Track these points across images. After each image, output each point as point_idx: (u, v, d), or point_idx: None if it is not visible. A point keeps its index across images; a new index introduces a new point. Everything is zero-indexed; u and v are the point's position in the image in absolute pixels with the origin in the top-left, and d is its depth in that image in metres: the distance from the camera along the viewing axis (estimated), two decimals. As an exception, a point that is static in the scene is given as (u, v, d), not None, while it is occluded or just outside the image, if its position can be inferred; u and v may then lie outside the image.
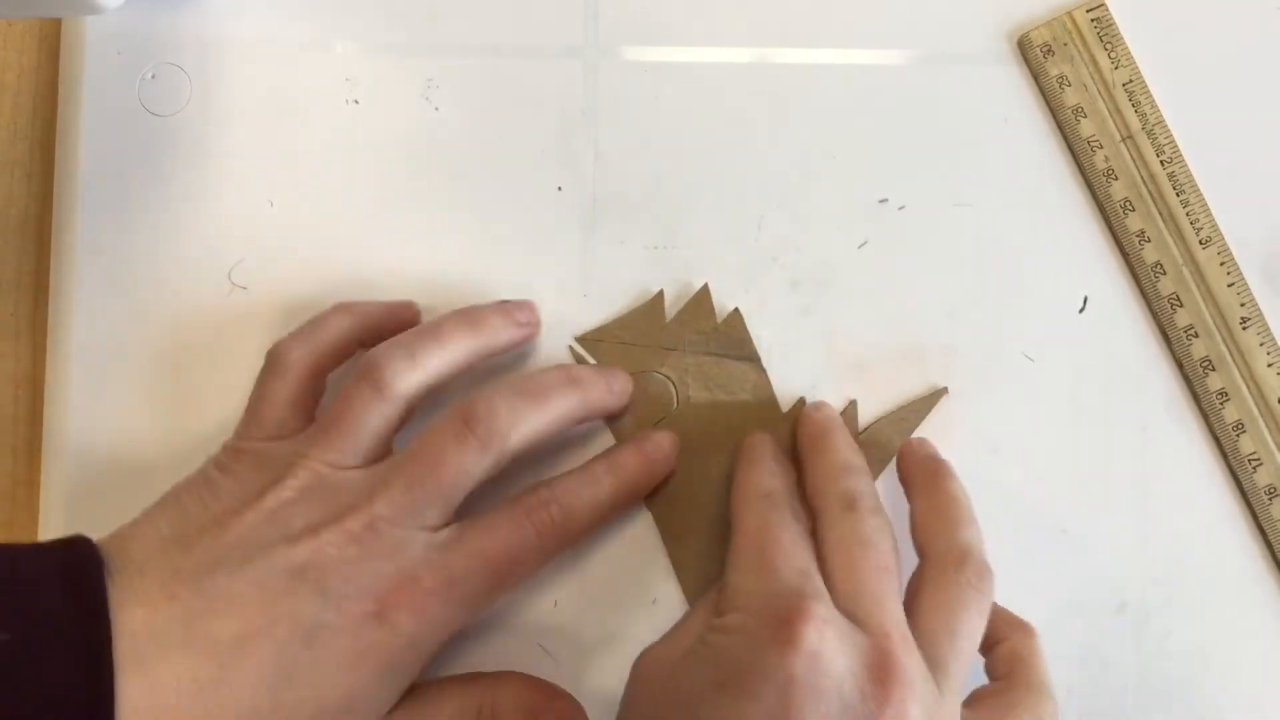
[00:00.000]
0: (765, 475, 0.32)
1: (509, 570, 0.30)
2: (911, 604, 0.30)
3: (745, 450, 0.34)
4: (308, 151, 0.36)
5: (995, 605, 0.32)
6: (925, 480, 0.33)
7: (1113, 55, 0.36)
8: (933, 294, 0.36)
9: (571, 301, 0.36)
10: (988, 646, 0.33)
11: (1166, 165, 0.36)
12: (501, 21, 0.37)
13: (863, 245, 0.36)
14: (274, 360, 0.33)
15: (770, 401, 0.35)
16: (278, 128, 0.36)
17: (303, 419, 0.32)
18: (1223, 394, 0.35)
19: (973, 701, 0.31)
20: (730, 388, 0.35)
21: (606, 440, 0.35)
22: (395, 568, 0.29)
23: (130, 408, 0.35)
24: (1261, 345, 0.35)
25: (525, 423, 0.31)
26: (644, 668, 0.30)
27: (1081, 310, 0.36)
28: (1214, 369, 0.35)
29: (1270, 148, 0.36)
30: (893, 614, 0.28)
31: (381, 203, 0.36)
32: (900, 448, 0.34)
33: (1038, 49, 0.36)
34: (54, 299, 0.36)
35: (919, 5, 0.37)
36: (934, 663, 0.29)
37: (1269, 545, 0.35)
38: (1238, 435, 0.35)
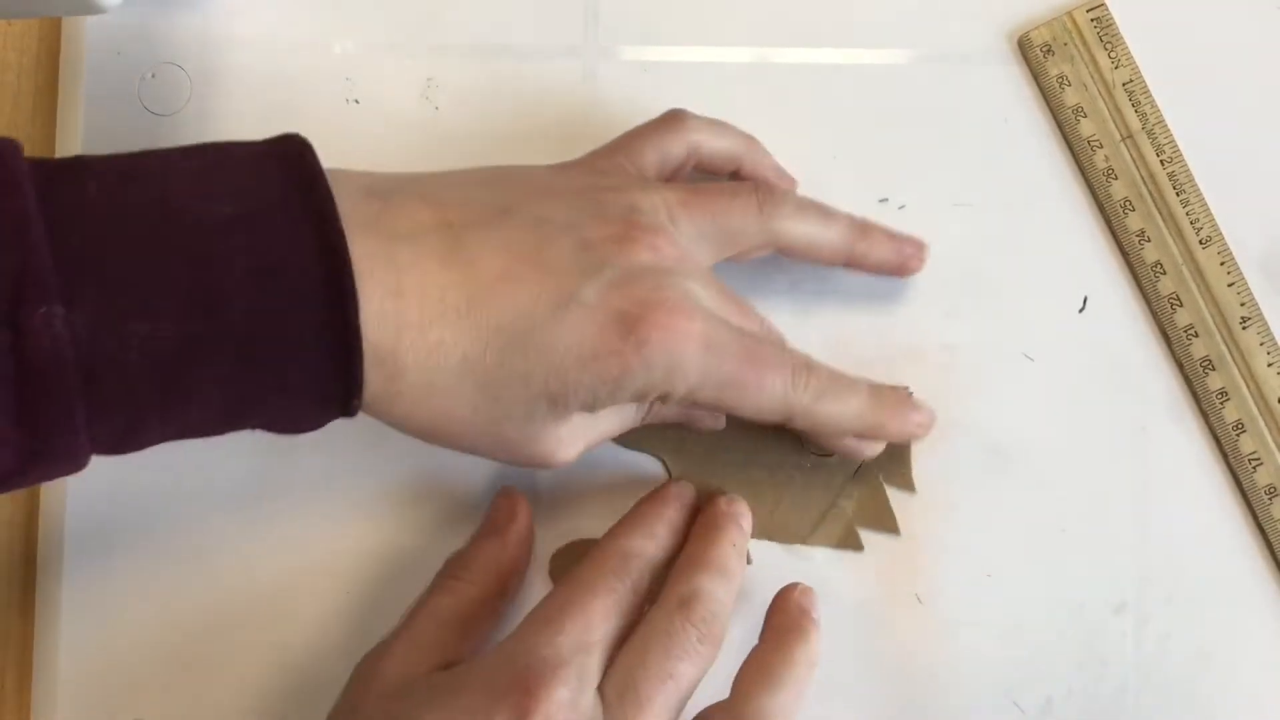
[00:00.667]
0: (641, 537, 0.31)
1: (749, 382, 0.29)
2: None
3: (647, 501, 0.33)
4: (308, 151, 0.36)
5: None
6: (776, 632, 0.31)
7: (1113, 55, 0.36)
8: (933, 294, 0.36)
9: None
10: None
11: (1166, 165, 0.36)
12: (501, 21, 0.37)
13: (863, 245, 0.36)
14: (670, 118, 0.33)
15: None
16: (278, 128, 0.36)
17: (660, 175, 0.32)
18: (1223, 394, 0.35)
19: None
20: None
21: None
22: (678, 295, 0.28)
23: (130, 408, 0.35)
24: (1261, 345, 0.35)
25: (817, 423, 0.31)
26: (366, 680, 0.29)
27: (1081, 310, 0.36)
28: (1214, 369, 0.35)
29: (1270, 148, 0.36)
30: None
31: (381, 203, 0.36)
32: (781, 589, 0.33)
33: (1038, 49, 0.36)
34: (54, 299, 0.36)
35: (919, 5, 0.37)
36: None
37: (1269, 545, 0.35)
38: (1238, 435, 0.35)
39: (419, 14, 0.37)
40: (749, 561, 0.35)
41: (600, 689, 0.28)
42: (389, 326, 0.26)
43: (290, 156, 0.26)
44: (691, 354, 0.28)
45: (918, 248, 0.35)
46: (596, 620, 0.29)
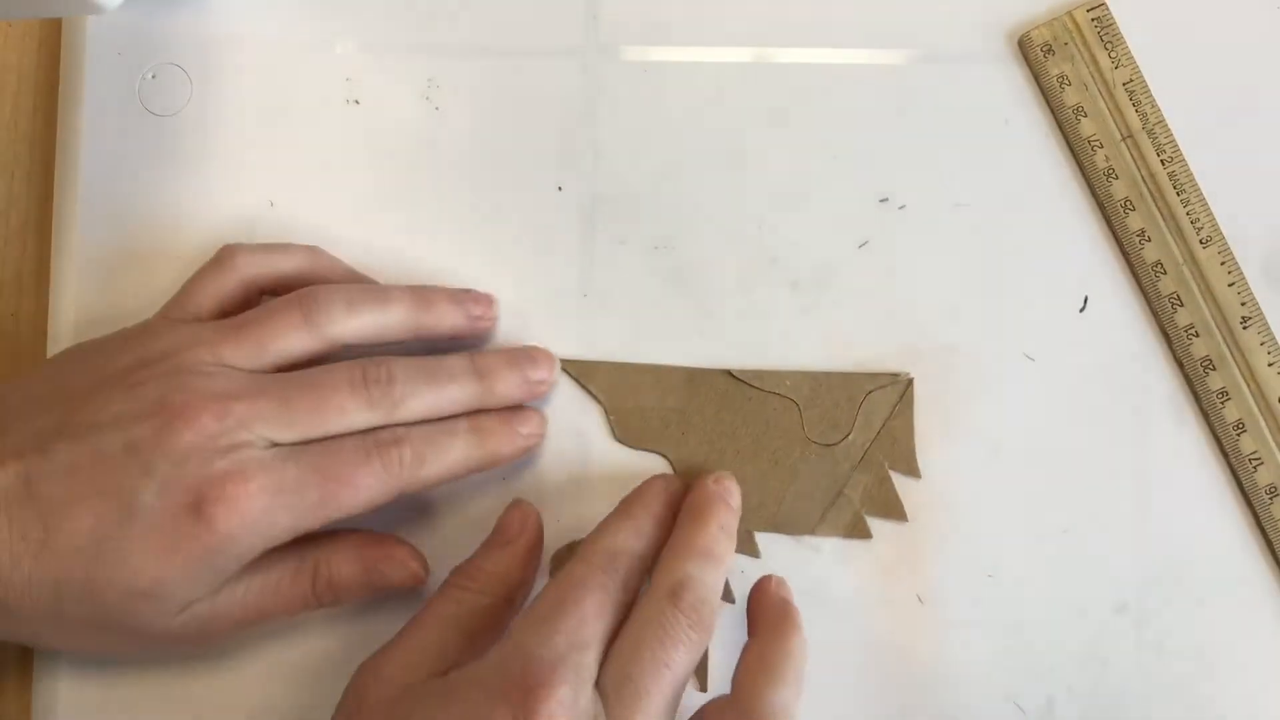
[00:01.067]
0: (627, 533, 0.31)
1: (342, 493, 0.30)
2: None
3: (633, 495, 0.33)
4: (308, 151, 0.36)
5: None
6: (767, 626, 0.32)
7: (1113, 55, 0.36)
8: (933, 294, 0.36)
9: (571, 301, 0.36)
10: (750, 628, 0.33)
11: (1167, 165, 0.36)
12: (501, 21, 0.37)
13: (863, 245, 0.36)
14: (221, 256, 0.33)
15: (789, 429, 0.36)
16: (278, 128, 0.36)
17: (219, 316, 0.33)
18: (1223, 393, 0.35)
19: (700, 716, 0.30)
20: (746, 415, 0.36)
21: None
22: (227, 464, 0.29)
23: (130, 408, 0.35)
24: (1262, 344, 0.35)
25: (418, 399, 0.31)
26: (366, 685, 0.30)
27: (1081, 310, 0.36)
28: (1214, 368, 0.35)
29: (1270, 148, 0.36)
30: (647, 712, 0.28)
31: (381, 202, 0.36)
32: (756, 582, 0.33)
33: (1038, 49, 0.36)
34: (54, 299, 0.36)
35: (919, 5, 0.37)
36: None
37: (1269, 545, 0.35)
38: (1238, 434, 0.35)
39: (419, 14, 0.37)
40: (757, 555, 0.35)
41: (597, 684, 0.28)
42: None
43: None
44: (263, 509, 0.29)
45: (486, 305, 0.35)
46: (589, 618, 0.29)
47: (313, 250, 0.34)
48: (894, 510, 0.35)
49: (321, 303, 0.32)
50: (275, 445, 0.30)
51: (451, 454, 0.32)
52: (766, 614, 0.32)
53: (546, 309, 0.36)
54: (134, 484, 0.28)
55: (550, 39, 0.37)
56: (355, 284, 0.34)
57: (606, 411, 0.36)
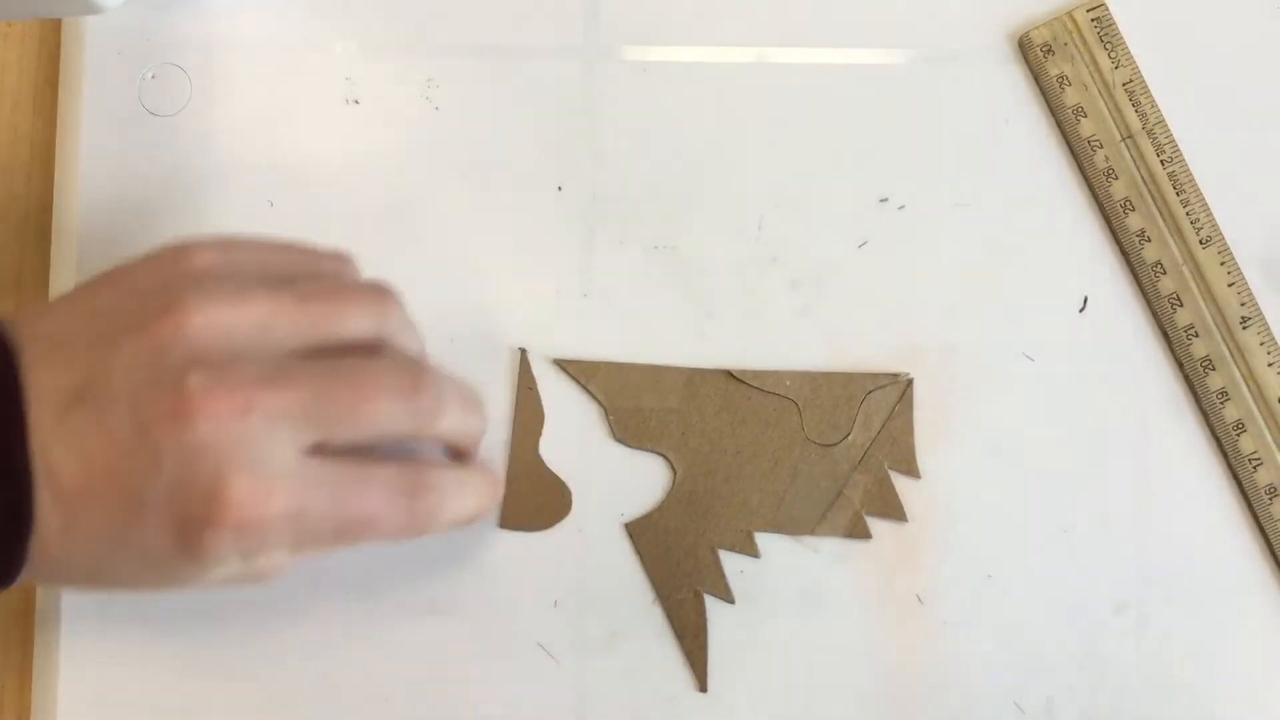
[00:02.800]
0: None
1: (360, 534, 0.28)
2: None
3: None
4: (308, 151, 0.36)
5: None
6: None
7: (1113, 55, 0.36)
8: (933, 294, 0.36)
9: (571, 301, 0.36)
10: None
11: (1166, 165, 0.36)
12: (501, 21, 0.37)
13: (863, 245, 0.36)
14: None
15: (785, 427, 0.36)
16: (278, 128, 0.36)
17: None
18: (1223, 393, 0.35)
19: None
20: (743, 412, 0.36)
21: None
22: (252, 475, 0.26)
23: (130, 408, 0.35)
24: (1262, 345, 0.35)
25: (448, 420, 0.30)
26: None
27: (1081, 310, 0.36)
28: (1214, 368, 0.35)
29: (1270, 148, 0.36)
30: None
31: (381, 202, 0.36)
32: None
33: (1038, 49, 0.36)
34: (54, 298, 0.36)
35: (919, 5, 0.37)
36: None
37: (1269, 545, 0.35)
38: (1238, 435, 0.35)
39: (419, 14, 0.37)
40: (756, 555, 0.35)
41: None
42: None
43: None
44: (277, 534, 0.27)
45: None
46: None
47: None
48: (894, 510, 0.35)
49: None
50: (304, 449, 0.27)
51: (466, 505, 0.30)
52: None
53: (546, 309, 0.36)
54: (141, 478, 0.26)
55: (550, 39, 0.37)
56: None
57: (606, 411, 0.36)
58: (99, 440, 0.26)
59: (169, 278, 0.28)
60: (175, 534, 0.26)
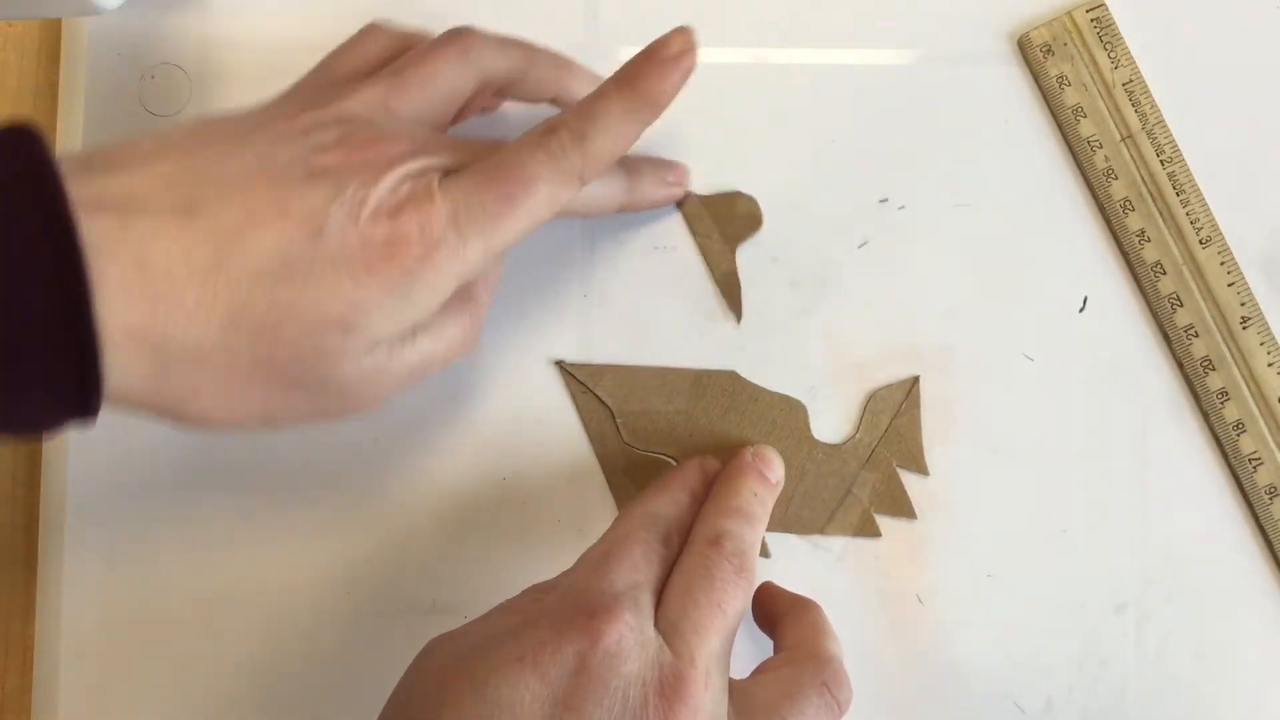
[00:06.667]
0: (664, 502, 0.32)
1: (517, 194, 0.28)
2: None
3: (669, 471, 0.34)
4: (308, 151, 0.36)
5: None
6: (790, 603, 0.33)
7: (1113, 55, 0.36)
8: (933, 294, 0.36)
9: (571, 301, 0.36)
10: (770, 624, 0.33)
11: (1166, 165, 0.36)
12: (501, 21, 0.37)
13: (863, 245, 0.36)
14: (370, 31, 0.33)
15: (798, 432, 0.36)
16: (278, 128, 0.36)
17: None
18: (1223, 393, 0.35)
19: (758, 671, 0.31)
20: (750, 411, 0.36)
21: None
22: (411, 188, 0.27)
23: (130, 408, 0.35)
24: (1262, 345, 0.35)
25: (604, 162, 0.30)
26: (431, 651, 0.29)
27: (1081, 310, 0.36)
28: (1214, 368, 0.35)
29: (1270, 148, 0.36)
30: (707, 646, 0.28)
31: (381, 203, 0.36)
32: (758, 589, 0.34)
33: (1038, 49, 0.36)
34: (54, 299, 0.36)
35: (919, 5, 0.37)
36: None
37: (1269, 545, 0.35)
38: (1238, 435, 0.35)
39: (419, 14, 0.37)
40: (767, 555, 0.35)
41: (655, 625, 0.29)
42: (138, 301, 0.24)
43: (14, 142, 0.25)
44: (451, 225, 0.27)
45: (680, 174, 0.36)
46: (640, 564, 0.29)
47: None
48: (903, 508, 0.35)
49: (477, 39, 0.31)
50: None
51: (610, 129, 0.29)
52: (782, 599, 0.34)
53: (547, 309, 0.36)
54: (323, 205, 0.26)
55: (550, 39, 0.37)
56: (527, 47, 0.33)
57: (614, 415, 0.36)
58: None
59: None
60: (379, 241, 0.26)
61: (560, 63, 0.33)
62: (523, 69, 0.32)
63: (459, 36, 0.31)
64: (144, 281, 0.24)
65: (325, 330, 0.26)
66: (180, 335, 0.25)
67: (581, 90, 0.32)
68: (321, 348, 0.27)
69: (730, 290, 0.36)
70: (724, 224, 0.36)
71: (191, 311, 0.25)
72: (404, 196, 0.27)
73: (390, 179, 0.27)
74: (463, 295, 0.30)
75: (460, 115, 0.32)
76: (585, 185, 0.29)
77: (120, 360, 0.24)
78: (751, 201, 0.36)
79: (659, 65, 0.29)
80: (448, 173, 0.28)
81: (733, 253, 0.36)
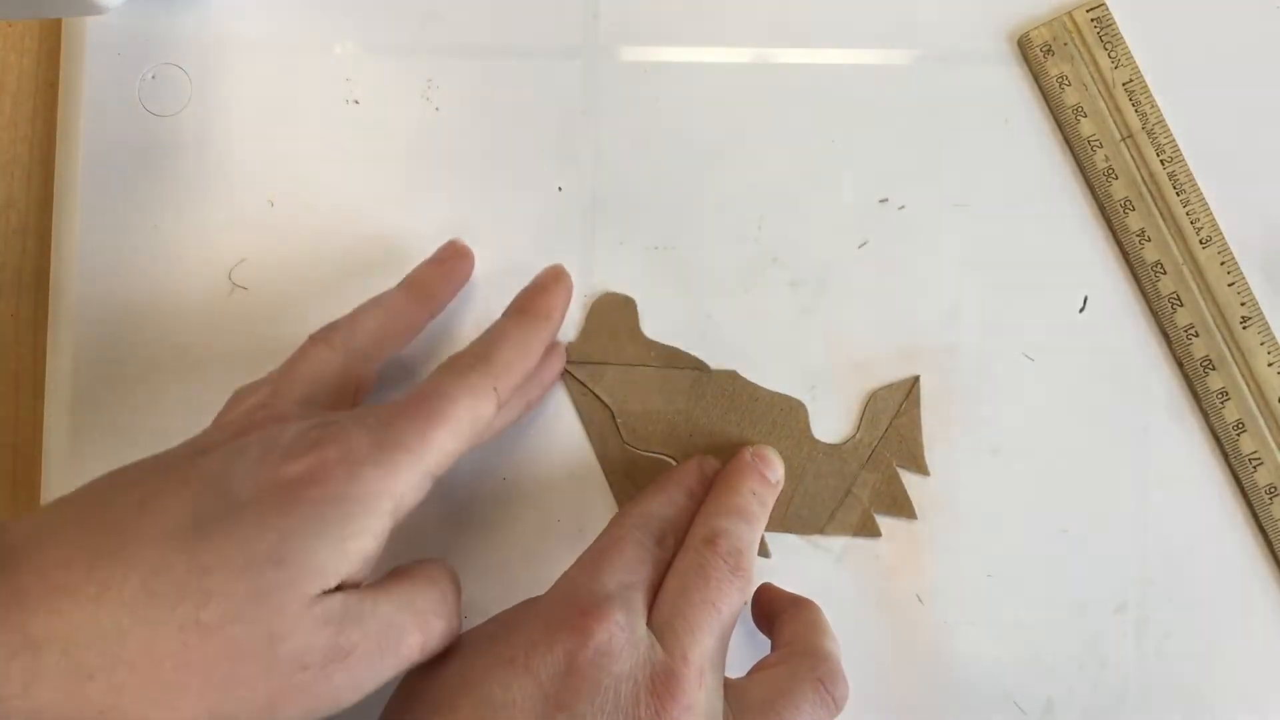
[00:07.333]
0: (660, 502, 0.32)
1: (443, 410, 0.28)
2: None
3: (669, 472, 0.34)
4: (308, 151, 0.36)
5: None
6: (789, 603, 0.34)
7: (1113, 55, 0.36)
8: (933, 294, 0.36)
9: (572, 302, 0.36)
10: (769, 624, 0.33)
11: (1166, 165, 0.36)
12: (501, 21, 0.37)
13: (863, 245, 0.36)
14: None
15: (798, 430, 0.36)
16: (278, 128, 0.36)
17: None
18: (1223, 393, 0.35)
19: (755, 669, 0.31)
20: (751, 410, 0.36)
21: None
22: (324, 429, 0.27)
23: (130, 408, 0.35)
24: (1262, 344, 0.35)
25: (514, 374, 0.31)
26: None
27: (1081, 310, 0.36)
28: (1214, 368, 0.35)
29: (1270, 148, 0.36)
30: (700, 645, 0.28)
31: (381, 203, 0.36)
32: (756, 590, 0.34)
33: (1038, 49, 0.36)
34: (54, 299, 0.36)
35: (919, 5, 0.37)
36: None
37: (1269, 545, 0.35)
38: (1238, 435, 0.35)
39: (419, 14, 0.37)
40: (767, 555, 0.35)
41: (648, 624, 0.29)
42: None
43: None
44: (368, 447, 0.27)
45: (460, 255, 0.35)
46: (633, 564, 0.30)
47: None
48: (903, 508, 0.35)
49: (338, 325, 0.32)
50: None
51: (509, 344, 0.31)
52: (781, 599, 0.34)
53: (546, 309, 0.36)
54: (223, 465, 0.26)
55: (550, 39, 0.37)
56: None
57: (614, 415, 0.36)
58: None
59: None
60: (291, 478, 0.26)
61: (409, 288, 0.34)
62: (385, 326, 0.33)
63: (320, 333, 0.32)
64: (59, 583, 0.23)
65: (259, 567, 0.24)
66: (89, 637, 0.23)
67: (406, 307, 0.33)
68: (257, 589, 0.24)
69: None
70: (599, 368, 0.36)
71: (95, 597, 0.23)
72: (318, 434, 0.27)
73: (298, 426, 0.27)
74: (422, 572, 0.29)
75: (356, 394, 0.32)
76: (503, 400, 0.30)
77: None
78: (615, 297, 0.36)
79: (541, 290, 0.33)
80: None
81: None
